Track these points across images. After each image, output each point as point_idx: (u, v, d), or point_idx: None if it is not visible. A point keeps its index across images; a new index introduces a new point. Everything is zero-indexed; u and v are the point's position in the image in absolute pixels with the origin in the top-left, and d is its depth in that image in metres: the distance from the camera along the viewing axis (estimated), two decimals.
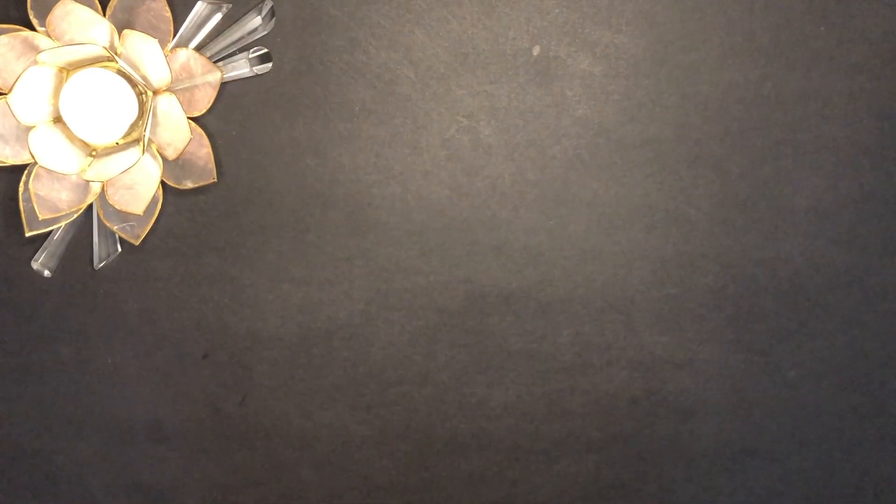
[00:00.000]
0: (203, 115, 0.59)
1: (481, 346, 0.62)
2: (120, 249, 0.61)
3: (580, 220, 0.61)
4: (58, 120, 0.57)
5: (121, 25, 0.57)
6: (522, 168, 0.61)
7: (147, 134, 0.57)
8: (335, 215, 0.61)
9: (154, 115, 0.58)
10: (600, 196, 0.61)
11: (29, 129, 0.57)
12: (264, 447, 0.59)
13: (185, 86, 0.58)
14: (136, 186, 0.59)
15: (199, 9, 0.58)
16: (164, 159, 0.59)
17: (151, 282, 0.62)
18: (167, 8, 0.58)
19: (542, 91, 0.60)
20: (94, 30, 0.57)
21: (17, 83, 0.56)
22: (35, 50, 0.57)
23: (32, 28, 0.57)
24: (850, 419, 0.63)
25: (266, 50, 0.59)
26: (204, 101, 0.59)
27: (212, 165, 0.59)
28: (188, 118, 0.58)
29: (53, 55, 0.56)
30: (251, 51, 0.59)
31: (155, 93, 0.58)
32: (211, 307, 0.62)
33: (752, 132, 0.60)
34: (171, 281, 0.62)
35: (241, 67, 0.59)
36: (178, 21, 0.59)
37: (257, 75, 0.60)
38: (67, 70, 0.57)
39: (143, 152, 0.57)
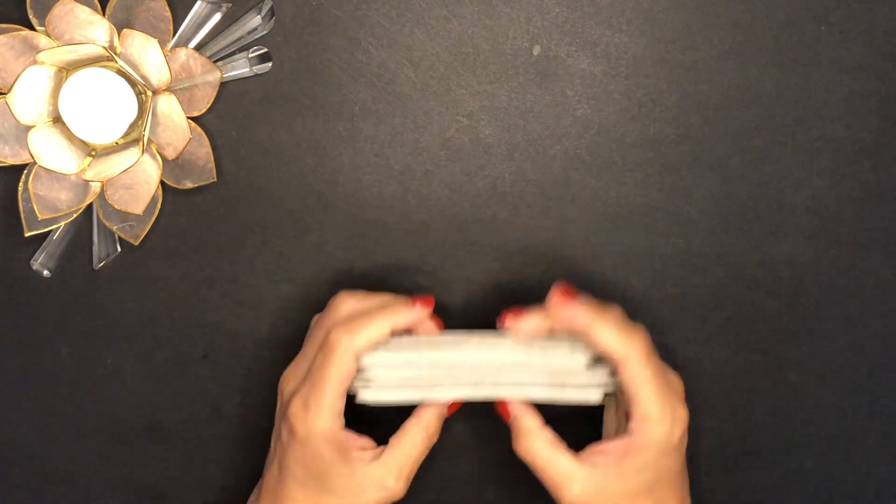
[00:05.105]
0: (203, 115, 0.59)
1: None
2: (119, 249, 0.61)
3: (580, 220, 0.61)
4: (57, 119, 0.57)
5: (120, 25, 0.57)
6: (522, 168, 0.61)
7: (146, 134, 0.57)
8: (335, 215, 0.61)
9: (154, 114, 0.58)
10: (600, 196, 0.61)
11: (28, 128, 0.57)
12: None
13: (185, 85, 0.58)
14: (136, 186, 0.59)
15: (198, 8, 0.58)
16: (164, 159, 0.59)
17: (151, 282, 0.62)
18: (167, 7, 0.58)
19: (542, 91, 0.60)
20: (93, 29, 0.57)
21: (16, 83, 0.56)
22: (34, 49, 0.57)
23: (31, 27, 0.57)
24: (850, 419, 0.63)
25: (266, 50, 0.59)
26: (204, 100, 0.59)
27: (211, 165, 0.59)
28: (188, 118, 0.58)
29: (53, 55, 0.56)
30: (251, 50, 0.59)
31: (154, 92, 0.58)
32: (211, 307, 0.62)
33: (752, 132, 0.60)
34: (171, 281, 0.62)
35: (241, 67, 0.59)
36: (177, 21, 0.58)
37: (257, 75, 0.60)
38: (67, 70, 0.57)
39: (143, 152, 0.57)
